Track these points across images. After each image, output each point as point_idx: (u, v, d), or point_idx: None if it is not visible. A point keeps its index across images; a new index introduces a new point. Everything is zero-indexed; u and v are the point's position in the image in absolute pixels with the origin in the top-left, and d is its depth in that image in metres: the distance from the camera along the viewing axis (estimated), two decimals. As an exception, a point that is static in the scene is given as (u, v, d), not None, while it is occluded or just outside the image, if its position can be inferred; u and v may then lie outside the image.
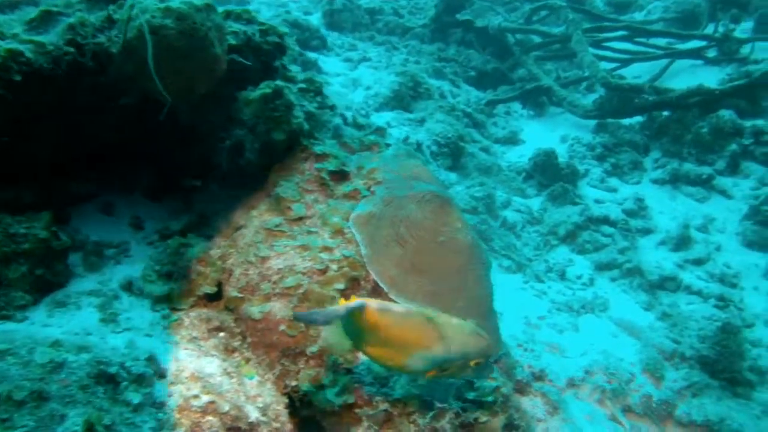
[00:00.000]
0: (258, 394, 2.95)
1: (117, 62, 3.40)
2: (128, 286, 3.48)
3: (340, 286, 3.16)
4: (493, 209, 6.22)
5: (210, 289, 3.37)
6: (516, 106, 9.50)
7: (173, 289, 3.35)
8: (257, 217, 3.62)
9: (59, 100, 3.41)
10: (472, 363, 2.45)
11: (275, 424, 2.89)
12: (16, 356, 2.49)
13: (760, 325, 5.53)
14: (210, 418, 2.66)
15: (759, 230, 6.49)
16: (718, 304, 5.57)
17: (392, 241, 3.37)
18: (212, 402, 2.72)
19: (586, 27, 9.75)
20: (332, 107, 4.43)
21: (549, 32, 10.42)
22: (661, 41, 10.32)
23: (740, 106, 7.84)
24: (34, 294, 3.20)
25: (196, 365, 2.92)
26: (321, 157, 3.87)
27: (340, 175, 3.84)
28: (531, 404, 4.13)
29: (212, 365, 2.97)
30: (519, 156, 7.90)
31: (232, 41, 3.80)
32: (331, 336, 2.52)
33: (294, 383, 3.00)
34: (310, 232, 3.46)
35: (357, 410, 2.95)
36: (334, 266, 3.24)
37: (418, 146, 6.50)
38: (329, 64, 8.68)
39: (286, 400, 3.01)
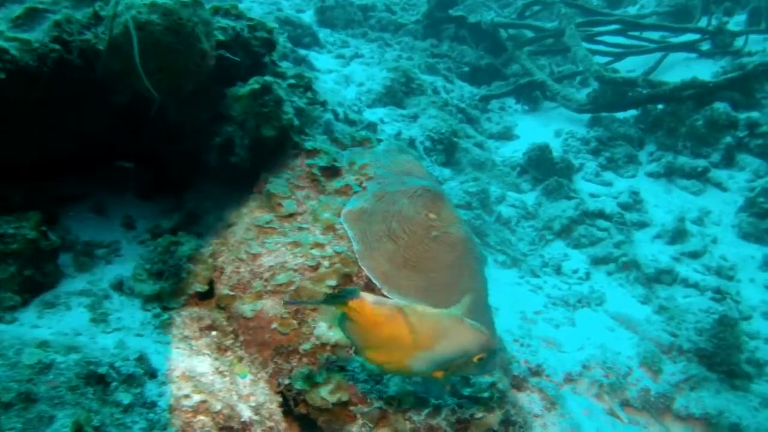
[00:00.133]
0: (251, 392, 2.93)
1: (104, 59, 3.36)
2: (119, 286, 3.44)
3: (332, 282, 3.13)
4: (487, 204, 6.18)
5: (201, 287, 3.33)
6: (510, 101, 9.49)
7: (164, 288, 3.31)
8: (248, 214, 3.58)
9: (46, 98, 3.37)
10: (475, 359, 2.40)
11: (269, 423, 2.86)
12: (3, 357, 2.46)
13: (757, 317, 5.51)
14: (202, 417, 2.63)
15: (755, 222, 6.47)
16: (715, 297, 5.56)
17: (384, 237, 3.34)
18: (204, 401, 2.69)
19: (578, 21, 9.73)
20: (323, 103, 4.40)
21: (542, 27, 10.40)
22: (655, 35, 10.32)
23: (734, 99, 7.82)
24: (23, 295, 3.16)
25: (187, 364, 2.89)
26: (312, 153, 3.84)
27: (332, 171, 3.81)
28: (528, 400, 4.10)
29: (204, 364, 2.94)
30: (513, 151, 7.89)
31: (221, 37, 3.76)
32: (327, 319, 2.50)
33: (287, 381, 2.98)
34: (301, 229, 3.43)
35: (351, 408, 2.93)
36: (326, 263, 3.22)
37: (411, 142, 6.47)
38: (321, 61, 8.64)
39: (280, 399, 2.99)
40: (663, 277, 5.81)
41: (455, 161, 6.91)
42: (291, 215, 3.52)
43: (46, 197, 3.77)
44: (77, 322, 3.06)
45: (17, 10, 3.34)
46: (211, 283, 3.38)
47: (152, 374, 2.76)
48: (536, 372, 4.42)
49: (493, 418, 3.11)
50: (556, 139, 8.16)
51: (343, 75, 8.22)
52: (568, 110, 8.82)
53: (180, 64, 3.37)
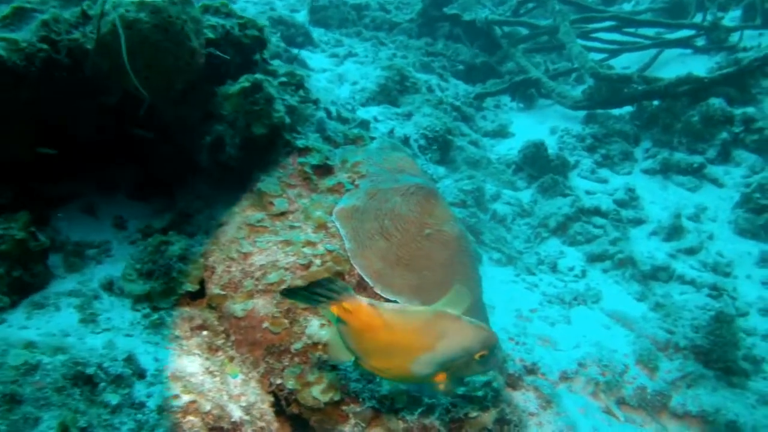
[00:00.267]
0: (242, 392, 2.90)
1: (92, 58, 3.34)
2: (109, 286, 3.42)
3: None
4: (482, 202, 6.16)
5: (192, 287, 3.30)
6: (505, 99, 9.47)
7: (154, 288, 3.29)
8: (239, 213, 3.56)
9: (34, 98, 3.35)
10: (476, 356, 2.33)
11: (260, 423, 2.84)
12: (-12, 359, 2.44)
13: (754, 313, 5.49)
14: (191, 418, 2.61)
15: (751, 218, 6.45)
16: (712, 294, 5.53)
17: (377, 235, 3.32)
18: (193, 402, 2.67)
19: (573, 18, 9.71)
20: (315, 101, 4.38)
21: (537, 24, 10.38)
22: (650, 31, 10.29)
23: (730, 94, 7.81)
24: (11, 296, 3.13)
25: (177, 364, 2.86)
26: (304, 151, 3.82)
27: (324, 169, 3.78)
28: (523, 398, 4.08)
29: (194, 364, 2.92)
30: (508, 149, 7.86)
31: (210, 35, 3.74)
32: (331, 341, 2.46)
33: (279, 381, 2.95)
34: (292, 227, 3.41)
35: (344, 407, 2.91)
36: (318, 261, 3.19)
37: (406, 140, 6.44)
38: (315, 60, 8.62)
39: (272, 399, 2.97)
40: (659, 274, 5.79)
41: (450, 159, 6.89)
42: (282, 214, 3.50)
43: (36, 198, 3.75)
44: (66, 323, 3.03)
45: (4, 9, 3.32)
46: (202, 283, 3.35)
47: (141, 375, 2.74)
48: (531, 370, 4.40)
49: (488, 417, 3.10)
50: (552, 137, 8.14)
51: (337, 74, 8.19)
52: (563, 107, 8.80)
53: (169, 62, 3.35)
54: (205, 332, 3.14)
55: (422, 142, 6.67)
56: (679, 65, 9.34)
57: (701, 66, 8.85)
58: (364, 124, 4.91)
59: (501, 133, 8.39)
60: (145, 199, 4.30)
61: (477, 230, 5.76)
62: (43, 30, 3.28)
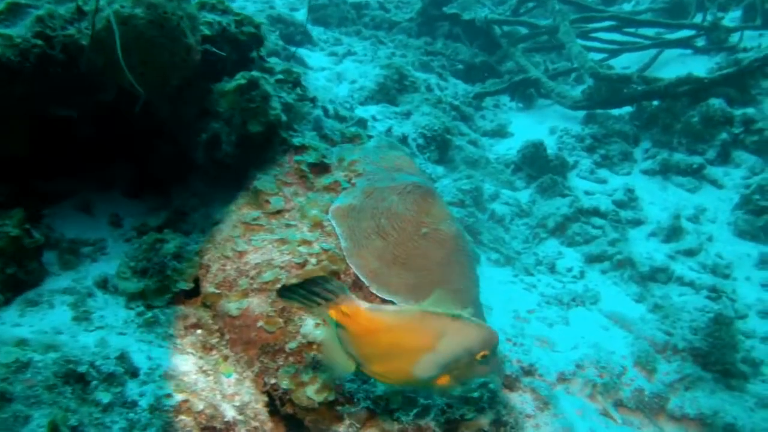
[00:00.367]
0: (236, 392, 2.88)
1: (87, 54, 3.32)
2: (103, 284, 3.39)
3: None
4: (480, 202, 6.14)
5: (186, 285, 3.28)
6: (505, 98, 9.46)
7: (148, 286, 3.26)
8: (235, 211, 3.54)
9: (28, 93, 3.33)
10: (478, 356, 2.27)
11: (254, 423, 2.82)
12: (-21, 357, 2.41)
13: (753, 315, 5.47)
14: (183, 417, 2.58)
15: (751, 220, 6.43)
16: (711, 295, 5.51)
17: (373, 234, 3.29)
18: (186, 401, 2.64)
19: (573, 18, 9.69)
20: (313, 99, 4.36)
21: (536, 24, 10.37)
22: (650, 31, 10.28)
23: (730, 95, 7.80)
24: (5, 293, 3.11)
25: (170, 363, 2.84)
26: (300, 149, 3.80)
27: (321, 168, 3.76)
28: (520, 400, 4.05)
29: (187, 363, 2.90)
30: (507, 148, 7.84)
31: (207, 32, 3.72)
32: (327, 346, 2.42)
33: (273, 381, 2.94)
34: (288, 226, 3.38)
35: (338, 407, 2.89)
36: (313, 260, 3.17)
37: (404, 139, 6.42)
38: (314, 58, 8.60)
39: (266, 398, 2.95)
40: (658, 275, 5.77)
41: (449, 159, 6.87)
42: (278, 212, 3.48)
43: (31, 195, 3.73)
44: (59, 321, 3.01)
45: (-1, 5, 3.30)
46: (197, 281, 3.33)
47: (134, 373, 2.71)
48: (529, 371, 4.37)
49: (484, 418, 3.08)
50: (551, 137, 8.12)
51: (336, 72, 8.18)
52: (562, 107, 8.79)
53: (164, 58, 3.33)
54: (199, 331, 3.12)
55: (421, 141, 6.65)
56: (679, 65, 9.32)
57: (701, 66, 8.83)
58: (361, 123, 4.89)
59: (500, 132, 8.37)
60: (142, 197, 4.28)
61: (475, 230, 5.74)
62: (37, 26, 3.26)
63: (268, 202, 3.51)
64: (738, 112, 7.56)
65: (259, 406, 2.90)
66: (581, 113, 8.54)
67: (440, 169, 6.53)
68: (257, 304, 3.06)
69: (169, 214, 3.99)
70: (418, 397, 2.94)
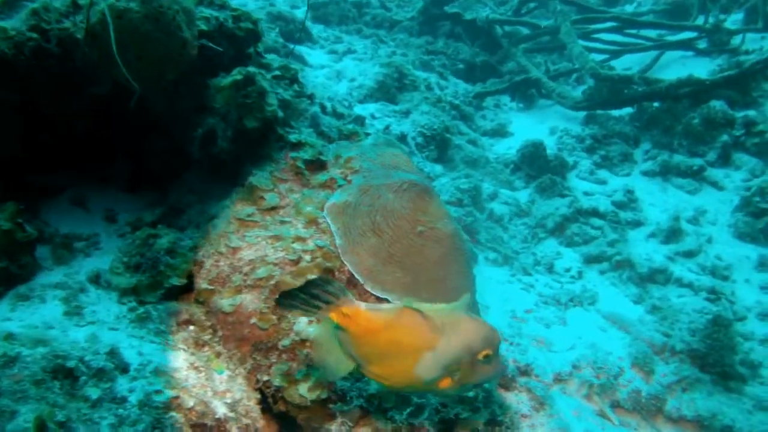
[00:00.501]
0: (227, 389, 2.86)
1: (82, 48, 3.30)
2: (96, 279, 3.36)
3: (314, 277, 3.05)
4: (479, 201, 6.12)
5: (179, 281, 3.25)
6: (505, 98, 9.44)
7: (141, 281, 3.23)
8: (229, 207, 3.51)
9: (23, 87, 3.31)
10: (480, 356, 2.22)
11: (245, 420, 2.80)
12: (-34, 351, 2.39)
13: (752, 317, 5.45)
14: (173, 414, 2.56)
15: (750, 222, 6.41)
16: (710, 297, 5.49)
17: (368, 231, 3.27)
18: (176, 397, 2.62)
19: (574, 18, 9.68)
20: (310, 96, 4.33)
21: (538, 25, 10.36)
22: (652, 33, 10.27)
23: (731, 97, 7.78)
24: (-3, 287, 3.10)
25: (161, 359, 2.81)
26: (296, 145, 3.77)
27: (317, 165, 3.74)
28: (516, 400, 4.04)
29: (179, 359, 2.88)
30: (507, 148, 7.82)
31: (203, 27, 3.70)
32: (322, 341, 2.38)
33: (266, 378, 2.92)
34: (283, 222, 3.36)
35: (331, 406, 2.87)
36: (307, 257, 3.15)
37: (403, 137, 6.40)
38: (314, 56, 8.59)
39: (258, 396, 2.93)
40: (657, 276, 5.74)
41: (448, 158, 6.85)
42: (273, 208, 3.45)
43: (26, 190, 3.71)
44: (50, 315, 2.98)
45: (-6, -2, 3.29)
46: (190, 277, 3.31)
47: (124, 369, 2.69)
48: (525, 371, 4.35)
49: (479, 418, 3.06)
50: (551, 137, 8.10)
51: (335, 70, 8.16)
52: (563, 108, 8.77)
53: (160, 52, 3.31)
54: (191, 327, 3.10)
55: (420, 140, 6.64)
56: (680, 67, 9.31)
57: (703, 68, 8.81)
58: (359, 120, 4.87)
59: (500, 132, 8.35)
60: (139, 193, 4.26)
61: (473, 229, 5.72)
62: (32, 19, 3.25)
63: (262, 198, 3.48)
64: (739, 114, 7.54)
65: (251, 403, 2.87)
66: (582, 114, 8.52)
67: (439, 168, 6.51)
68: (250, 300, 3.04)
69: (164, 209, 3.97)
70: (412, 396, 2.91)
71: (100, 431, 2.37)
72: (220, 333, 3.06)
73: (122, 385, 2.60)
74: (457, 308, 2.28)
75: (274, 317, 2.97)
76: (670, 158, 7.37)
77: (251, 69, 3.64)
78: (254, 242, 3.24)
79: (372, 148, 3.97)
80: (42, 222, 3.70)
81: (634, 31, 10.16)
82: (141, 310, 3.13)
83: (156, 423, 2.48)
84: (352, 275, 3.13)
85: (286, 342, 2.93)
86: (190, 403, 2.63)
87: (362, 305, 2.24)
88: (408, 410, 2.89)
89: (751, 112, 7.56)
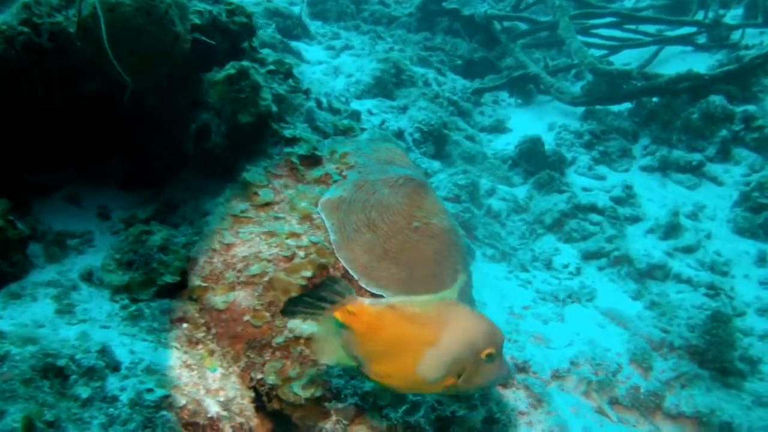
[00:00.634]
0: (221, 387, 2.83)
1: (75, 43, 3.27)
2: (88, 277, 3.33)
3: (308, 273, 3.03)
4: (476, 197, 6.10)
5: (172, 278, 3.22)
6: (504, 94, 9.43)
7: (133, 279, 3.20)
8: (223, 203, 3.48)
9: (13, 82, 3.28)
10: (483, 354, 2.18)
11: (239, 419, 2.77)
12: (-47, 350, 2.36)
13: (752, 313, 5.43)
14: (164, 412, 2.52)
15: (750, 217, 6.39)
16: (708, 293, 5.48)
17: (363, 227, 3.24)
18: (167, 396, 2.58)
19: (573, 13, 9.66)
20: (306, 91, 4.30)
21: (536, 20, 10.36)
22: (651, 28, 10.24)
23: (731, 92, 7.76)
24: (-13, 285, 3.07)
25: (153, 357, 2.78)
26: (291, 141, 3.74)
27: (312, 160, 3.70)
28: (513, 397, 4.02)
29: (171, 357, 2.84)
30: (506, 144, 7.82)
31: (197, 21, 3.67)
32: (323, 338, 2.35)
33: (260, 376, 2.88)
34: (277, 218, 3.33)
35: (325, 403, 2.83)
36: (301, 253, 3.11)
37: (400, 133, 6.38)
38: (311, 52, 8.56)
39: (252, 394, 2.89)
40: (655, 272, 5.73)
41: (445, 154, 6.82)
42: (267, 204, 3.42)
43: (18, 187, 3.68)
44: (41, 314, 2.95)
45: (-16, -9, 3.27)
46: (184, 274, 3.27)
47: (115, 367, 2.65)
48: (523, 368, 4.34)
49: (476, 415, 3.03)
50: (550, 133, 8.09)
51: (333, 66, 8.13)
52: (561, 103, 8.76)
53: (152, 46, 3.28)
54: (185, 325, 3.06)
55: (417, 135, 6.61)
56: (679, 62, 9.30)
57: (702, 64, 8.80)
58: (354, 115, 4.84)
59: (498, 128, 8.34)
60: (134, 190, 4.23)
61: (471, 226, 5.70)
62: (24, 12, 3.22)
63: (256, 194, 3.45)
64: (738, 109, 7.53)
65: (245, 401, 2.84)
66: (580, 109, 8.52)
67: (436, 164, 6.49)
68: (244, 297, 3.01)
69: (158, 206, 3.94)
70: (408, 394, 2.89)
71: (90, 431, 2.34)
72: (213, 330, 3.03)
73: (113, 383, 2.57)
74: (450, 295, 2.26)
75: (267, 314, 2.94)
76: (669, 153, 7.36)
77: (245, 63, 3.61)
78: (248, 238, 3.21)
79: (368, 144, 3.95)
80: (35, 219, 3.66)
81: (633, 27, 10.17)
82: (133, 307, 3.10)
83: (147, 422, 2.45)
84: (347, 272, 3.10)
85: (279, 339, 2.90)
86: (182, 401, 2.60)
87: (366, 301, 2.21)
88: (403, 408, 2.86)
89: (751, 107, 7.54)
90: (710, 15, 9.62)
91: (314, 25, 9.69)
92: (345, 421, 2.82)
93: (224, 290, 3.05)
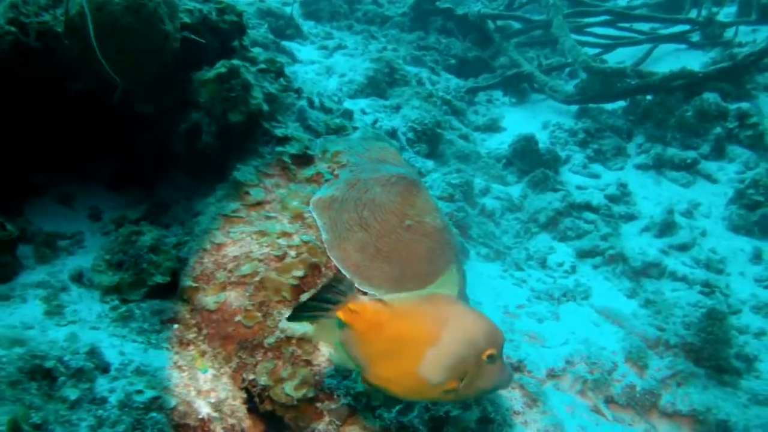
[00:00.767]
0: (212, 388, 2.81)
1: (62, 42, 3.24)
2: (78, 278, 3.31)
3: (299, 273, 3.01)
4: (470, 196, 6.08)
5: (162, 278, 3.19)
6: (498, 93, 9.42)
7: (123, 279, 3.18)
8: (214, 203, 3.46)
9: (0, 82, 3.26)
10: (484, 355, 2.13)
11: (230, 420, 2.74)
12: (-60, 352, 2.34)
13: (747, 311, 5.42)
14: (154, 414, 2.50)
15: (745, 214, 6.38)
16: (704, 291, 5.47)
17: (355, 226, 3.22)
18: (157, 397, 2.56)
19: (567, 12, 9.66)
20: (297, 90, 4.29)
21: (530, 19, 10.36)
22: (645, 26, 10.24)
23: (724, 89, 7.76)
24: (-23, 287, 3.04)
25: (143, 359, 2.76)
26: (283, 140, 3.72)
27: (303, 159, 3.68)
28: (508, 396, 3.99)
29: (161, 359, 2.82)
30: (500, 143, 7.80)
31: (187, 19, 3.65)
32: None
33: (252, 377, 2.86)
34: (268, 218, 3.31)
35: (318, 404, 2.81)
36: (293, 252, 3.09)
37: (394, 133, 6.36)
38: (304, 52, 8.54)
39: (244, 395, 2.87)
40: (650, 270, 5.72)
41: (439, 153, 6.80)
42: (258, 204, 3.40)
43: (10, 188, 3.66)
44: (30, 315, 2.92)
45: (-29, -10, 3.24)
46: (175, 275, 3.25)
47: (104, 369, 2.63)
48: (517, 368, 4.31)
49: (470, 415, 3.01)
50: (544, 131, 8.09)
51: (326, 66, 8.11)
52: (555, 102, 8.75)
53: (141, 45, 3.26)
54: (176, 326, 3.04)
55: (410, 135, 6.59)
56: (673, 60, 9.28)
57: (696, 62, 8.80)
58: (347, 114, 4.82)
59: (492, 127, 8.33)
60: (124, 190, 4.20)
61: (465, 225, 5.68)
62: (11, 12, 3.20)
63: (248, 193, 3.43)
64: (732, 106, 7.53)
65: (236, 402, 2.82)
66: (575, 108, 8.52)
67: (430, 164, 6.46)
68: (235, 297, 2.99)
69: (148, 206, 3.92)
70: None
71: (79, 433, 2.32)
72: (204, 331, 3.00)
73: (102, 385, 2.55)
74: (449, 291, 2.23)
75: (258, 314, 2.92)
76: (664, 151, 7.35)
77: (235, 62, 3.60)
78: (239, 238, 3.19)
79: (360, 142, 3.93)
80: (25, 220, 3.64)
81: (626, 25, 10.17)
82: (123, 308, 3.08)
83: (136, 424, 2.43)
84: (339, 271, 3.07)
85: (271, 340, 2.87)
86: (173, 402, 2.58)
87: (367, 299, 2.18)
88: (397, 408, 2.84)
89: (745, 105, 7.54)
90: (703, 13, 9.61)
91: (307, 25, 9.67)
92: (338, 422, 2.80)
93: (215, 290, 3.03)
